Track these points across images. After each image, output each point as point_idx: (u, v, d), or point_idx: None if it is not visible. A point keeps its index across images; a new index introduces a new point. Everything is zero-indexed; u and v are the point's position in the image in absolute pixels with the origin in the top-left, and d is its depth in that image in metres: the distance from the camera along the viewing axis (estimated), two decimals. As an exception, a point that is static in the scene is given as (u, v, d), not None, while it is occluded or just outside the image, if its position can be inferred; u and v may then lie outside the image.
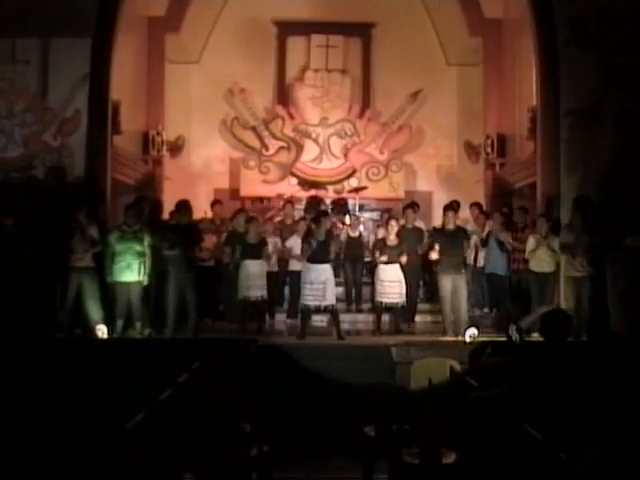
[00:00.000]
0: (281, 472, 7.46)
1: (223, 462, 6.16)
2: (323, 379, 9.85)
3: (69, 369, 7.35)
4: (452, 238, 11.86)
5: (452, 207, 12.48)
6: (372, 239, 13.87)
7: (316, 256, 11.67)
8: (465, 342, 10.99)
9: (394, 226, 12.42)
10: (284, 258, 13.03)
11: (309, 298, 11.64)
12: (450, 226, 12.00)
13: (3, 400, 5.78)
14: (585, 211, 11.69)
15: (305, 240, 11.97)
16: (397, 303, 12.23)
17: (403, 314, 12.58)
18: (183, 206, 12.23)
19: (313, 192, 16.29)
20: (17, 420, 5.18)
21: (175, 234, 11.76)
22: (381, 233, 12.96)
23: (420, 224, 13.46)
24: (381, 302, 12.26)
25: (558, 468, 4.36)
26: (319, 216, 12.17)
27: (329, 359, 10.40)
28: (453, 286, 11.76)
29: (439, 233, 12.26)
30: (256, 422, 7.04)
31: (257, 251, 12.20)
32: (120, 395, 5.92)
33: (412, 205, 13.47)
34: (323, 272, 11.65)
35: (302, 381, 9.76)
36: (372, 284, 12.86)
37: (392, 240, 12.32)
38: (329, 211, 13.24)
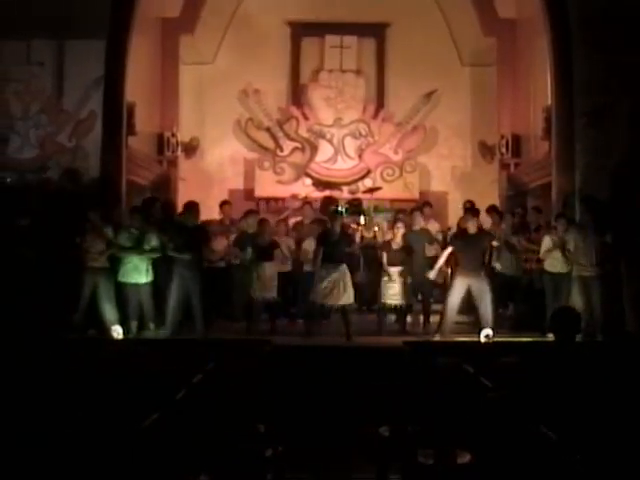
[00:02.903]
0: (296, 473, 7.46)
1: (238, 463, 6.17)
2: (337, 379, 9.83)
3: (83, 369, 7.37)
4: (472, 242, 11.77)
5: (473, 210, 12.39)
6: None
7: (329, 256, 11.68)
8: (480, 342, 11.01)
9: (400, 228, 12.43)
10: (299, 259, 13.03)
11: (319, 297, 11.67)
12: (472, 230, 11.89)
13: (18, 400, 5.81)
14: (593, 211, 11.63)
15: (319, 243, 11.99)
16: (399, 304, 12.26)
17: (405, 315, 12.59)
18: (190, 207, 12.23)
19: (328, 193, 16.29)
20: (31, 421, 5.19)
21: (181, 236, 11.75)
22: (388, 235, 12.95)
23: (434, 225, 13.46)
24: (384, 303, 12.28)
25: (573, 469, 4.35)
26: (330, 218, 12.24)
27: (343, 359, 10.40)
28: (472, 290, 11.68)
29: (459, 237, 12.14)
30: (271, 423, 7.04)
31: (268, 253, 12.24)
32: (135, 395, 5.93)
33: (419, 208, 13.46)
34: (336, 271, 11.67)
35: (316, 381, 9.75)
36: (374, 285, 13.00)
37: (397, 243, 12.33)
38: (339, 211, 13.18)
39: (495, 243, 12.19)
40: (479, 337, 11.22)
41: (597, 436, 4.73)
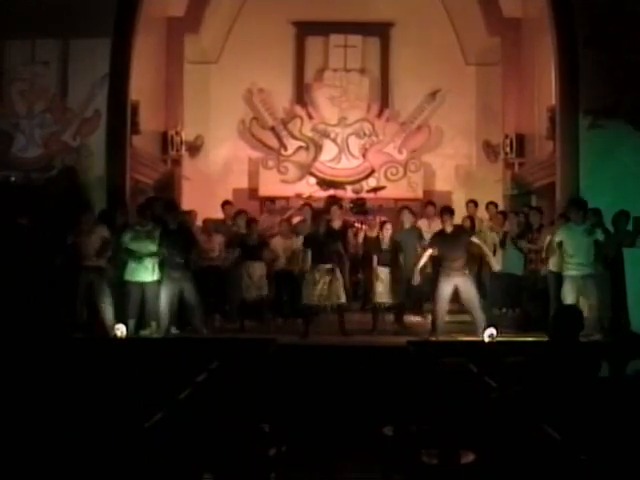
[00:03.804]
0: (299, 472, 7.47)
1: (242, 462, 6.18)
2: (341, 379, 9.84)
3: (88, 368, 7.38)
4: (452, 240, 11.77)
5: (448, 210, 12.31)
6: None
7: (318, 257, 11.75)
8: (484, 342, 11.00)
9: (389, 229, 12.51)
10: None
11: (311, 298, 11.77)
12: (448, 229, 11.92)
13: (21, 400, 5.81)
14: (583, 210, 11.52)
15: (305, 244, 12.13)
16: (391, 303, 12.34)
17: (397, 313, 12.65)
18: (170, 208, 12.26)
19: (332, 192, 16.27)
20: (35, 420, 5.20)
21: (164, 237, 11.75)
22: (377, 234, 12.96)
23: (436, 224, 13.45)
24: (379, 303, 12.32)
25: (577, 469, 4.35)
26: (314, 217, 12.37)
27: (348, 359, 10.39)
28: (460, 292, 11.68)
29: (438, 237, 12.05)
30: (275, 422, 7.05)
31: (257, 252, 12.32)
32: (139, 394, 5.94)
33: (406, 206, 13.58)
34: (327, 272, 11.74)
35: (320, 381, 9.76)
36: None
37: (386, 243, 12.37)
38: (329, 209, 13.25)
39: (475, 240, 12.15)
40: (483, 337, 11.20)
41: (601, 436, 4.72)
